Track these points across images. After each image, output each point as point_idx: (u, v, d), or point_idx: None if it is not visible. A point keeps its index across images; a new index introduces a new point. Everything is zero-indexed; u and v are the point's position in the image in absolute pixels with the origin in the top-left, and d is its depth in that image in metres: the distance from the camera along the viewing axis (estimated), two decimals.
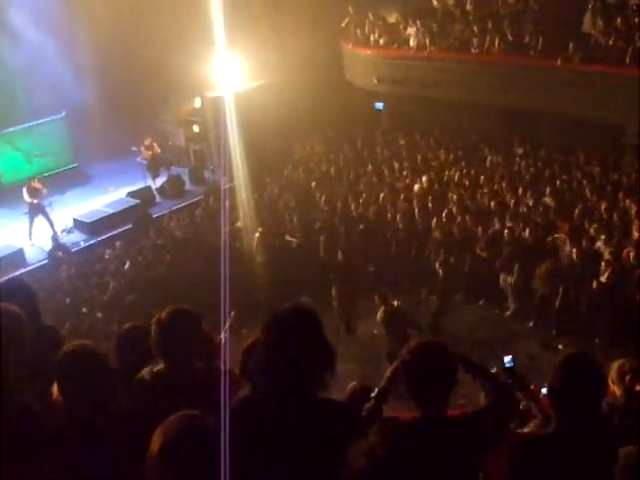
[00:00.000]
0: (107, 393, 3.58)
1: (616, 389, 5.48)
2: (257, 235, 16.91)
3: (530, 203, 16.47)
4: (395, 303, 12.71)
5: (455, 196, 17.57)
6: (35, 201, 18.82)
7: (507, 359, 4.62)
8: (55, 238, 18.29)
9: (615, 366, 5.65)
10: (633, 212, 14.87)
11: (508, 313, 14.99)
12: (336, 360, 3.31)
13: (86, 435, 3.41)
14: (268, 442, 3.14)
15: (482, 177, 18.74)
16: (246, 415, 3.24)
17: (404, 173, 20.11)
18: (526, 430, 4.45)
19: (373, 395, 3.97)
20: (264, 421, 3.18)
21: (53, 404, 3.61)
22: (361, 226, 17.05)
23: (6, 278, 4.88)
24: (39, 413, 3.55)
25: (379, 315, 12.64)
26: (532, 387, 4.92)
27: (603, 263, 13.05)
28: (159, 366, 4.15)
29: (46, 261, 17.78)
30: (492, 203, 16.73)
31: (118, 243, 17.78)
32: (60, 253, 17.74)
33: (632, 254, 13.18)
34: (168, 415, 2.79)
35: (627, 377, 5.66)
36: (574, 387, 3.44)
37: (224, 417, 2.93)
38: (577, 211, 15.48)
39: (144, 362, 4.90)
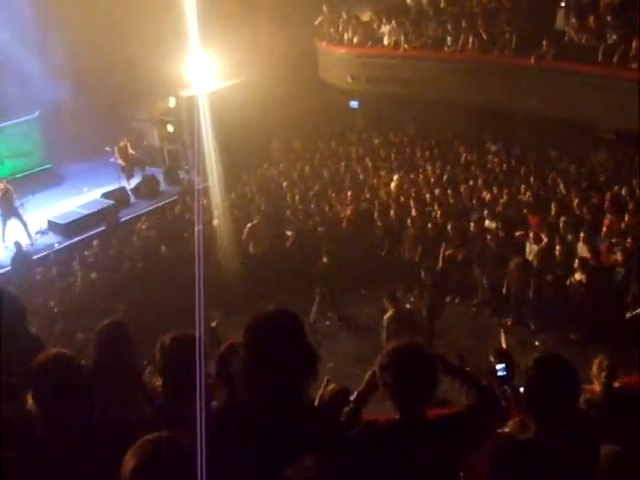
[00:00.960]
0: (82, 402, 3.53)
1: (596, 384, 5.53)
2: (249, 225, 16.92)
3: (504, 200, 16.53)
4: (407, 305, 12.49)
5: (429, 194, 17.63)
6: (6, 203, 18.62)
7: (499, 367, 4.59)
8: (18, 244, 17.88)
9: (595, 363, 5.70)
10: (605, 209, 14.99)
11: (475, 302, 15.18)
12: (318, 364, 3.29)
13: (61, 444, 3.36)
14: (250, 447, 3.11)
15: (456, 174, 18.82)
16: (227, 421, 3.21)
17: (380, 172, 20.12)
18: (506, 430, 4.44)
19: (352, 398, 3.95)
20: (246, 426, 3.15)
21: (28, 413, 3.56)
22: (343, 224, 17.06)
23: None
24: (17, 421, 3.51)
25: (387, 316, 12.03)
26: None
27: (577, 260, 13.12)
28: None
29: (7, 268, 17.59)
30: (468, 200, 16.80)
31: (95, 243, 17.63)
32: (22, 259, 17.42)
33: (608, 252, 13.32)
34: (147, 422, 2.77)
35: (604, 373, 5.73)
36: (548, 389, 3.44)
37: (200, 427, 2.90)
38: (552, 208, 15.55)
39: (122, 358, 4.96)
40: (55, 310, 14.64)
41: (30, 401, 3.53)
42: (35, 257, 17.88)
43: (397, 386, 3.54)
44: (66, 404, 3.45)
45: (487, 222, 15.46)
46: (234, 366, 3.38)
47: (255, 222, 17.04)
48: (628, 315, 12.38)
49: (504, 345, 5.51)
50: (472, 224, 15.36)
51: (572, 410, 3.49)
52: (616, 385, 5.82)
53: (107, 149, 22.03)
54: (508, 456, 3.34)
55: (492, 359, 5.39)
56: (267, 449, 3.06)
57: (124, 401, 4.57)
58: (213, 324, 9.76)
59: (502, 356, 5.42)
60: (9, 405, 3.61)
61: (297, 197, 18.96)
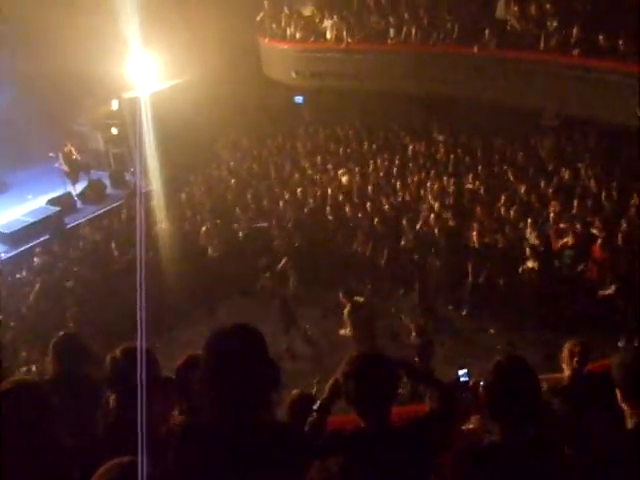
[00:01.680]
0: (50, 428, 3.43)
1: (566, 369, 5.52)
2: (204, 229, 16.75)
3: (451, 190, 16.61)
4: (361, 299, 12.45)
5: (377, 187, 17.67)
6: None
7: (462, 373, 4.57)
8: None
9: (566, 347, 5.69)
10: (550, 194, 15.15)
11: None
12: (280, 380, 3.22)
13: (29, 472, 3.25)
14: (213, 466, 3.03)
15: (403, 166, 18.88)
16: (189, 439, 3.13)
17: (327, 166, 20.08)
18: (470, 426, 4.44)
19: (315, 408, 3.89)
20: (208, 444, 3.07)
21: None
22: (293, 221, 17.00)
23: None
24: None
25: (345, 312, 12.04)
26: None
27: (528, 248, 13.22)
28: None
29: None
30: (417, 192, 16.86)
31: (38, 251, 17.33)
32: None
33: (556, 237, 13.45)
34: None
35: (575, 358, 5.71)
36: (508, 393, 3.42)
37: (141, 444, 2.82)
38: (501, 196, 15.66)
39: (78, 368, 4.85)
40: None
41: None
42: None
43: (360, 395, 3.50)
44: (30, 433, 3.35)
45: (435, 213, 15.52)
46: (194, 380, 3.28)
47: (209, 225, 16.85)
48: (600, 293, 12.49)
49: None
50: (420, 216, 15.41)
51: (533, 411, 3.46)
52: (587, 369, 5.78)
53: (51, 154, 21.68)
54: (471, 461, 3.32)
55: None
56: (230, 466, 2.99)
57: (85, 420, 4.45)
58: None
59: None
60: None
61: (249, 196, 18.79)
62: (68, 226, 19.40)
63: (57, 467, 3.32)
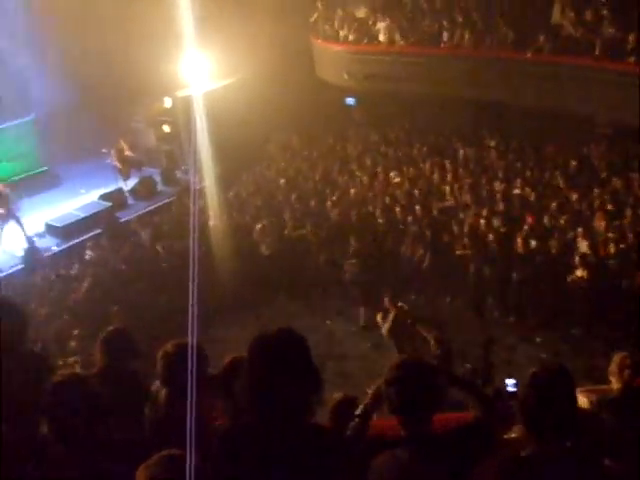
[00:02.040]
0: (99, 423, 3.48)
1: (614, 382, 5.44)
2: (259, 226, 16.79)
3: (501, 196, 16.49)
4: (405, 306, 12.44)
5: (427, 190, 17.63)
6: (3, 207, 18.56)
7: (510, 383, 4.56)
8: (30, 241, 18.10)
9: (616, 359, 5.60)
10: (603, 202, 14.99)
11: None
12: (323, 386, 3.24)
13: (79, 468, 3.31)
14: (254, 469, 3.07)
15: (453, 170, 18.80)
16: (231, 442, 3.17)
17: (377, 169, 20.08)
18: (513, 435, 4.42)
19: (358, 413, 3.91)
20: (250, 448, 3.11)
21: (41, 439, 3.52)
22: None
23: None
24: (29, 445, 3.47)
25: (390, 317, 11.96)
26: None
27: (578, 256, 13.08)
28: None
29: (19, 267, 17.58)
30: (467, 196, 16.76)
31: (89, 246, 17.59)
32: (34, 257, 17.58)
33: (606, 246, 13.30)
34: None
35: (627, 371, 5.61)
36: (543, 405, 3.39)
37: (189, 443, 2.86)
38: (551, 204, 15.52)
39: (126, 363, 5.03)
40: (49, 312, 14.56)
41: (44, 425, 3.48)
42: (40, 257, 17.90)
43: (401, 403, 3.51)
44: (82, 427, 3.41)
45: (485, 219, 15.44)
46: (238, 383, 3.32)
47: (265, 223, 16.94)
48: None
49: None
50: (469, 221, 15.30)
51: (570, 422, 3.44)
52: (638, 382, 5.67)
53: (104, 150, 21.95)
54: (512, 472, 3.31)
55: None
56: (270, 469, 3.02)
57: (133, 415, 4.52)
58: None
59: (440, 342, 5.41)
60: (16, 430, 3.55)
61: (294, 196, 18.88)
62: (121, 220, 19.64)
63: (106, 461, 3.37)
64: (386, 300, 12.24)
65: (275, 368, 3.10)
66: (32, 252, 17.87)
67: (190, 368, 3.17)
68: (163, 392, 4.39)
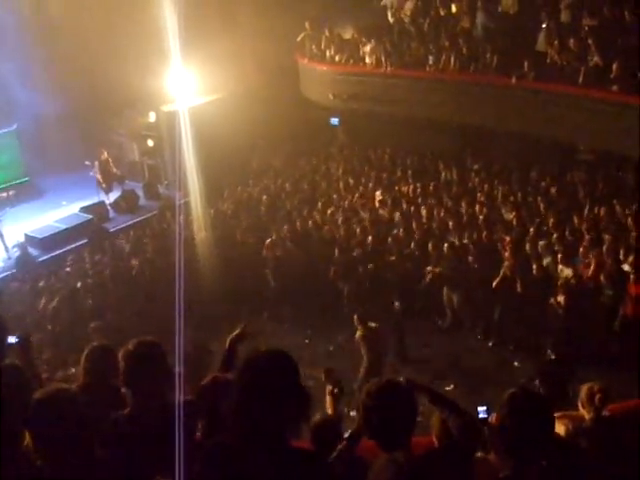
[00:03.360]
0: (84, 440, 3.45)
1: (585, 412, 5.46)
2: (269, 241, 16.76)
3: (482, 219, 16.56)
4: (373, 324, 12.66)
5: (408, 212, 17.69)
6: None
7: (481, 410, 4.58)
8: (23, 246, 18.04)
9: (584, 389, 5.63)
10: (584, 228, 15.06)
11: (444, 324, 15.17)
12: (311, 408, 3.23)
13: None
14: None
15: (434, 193, 18.89)
16: (219, 461, 3.14)
17: (359, 189, 20.14)
18: (490, 457, 4.42)
19: (346, 437, 3.91)
20: (236, 469, 3.07)
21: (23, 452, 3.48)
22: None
23: None
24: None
25: (358, 334, 12.62)
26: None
27: (560, 281, 13.12)
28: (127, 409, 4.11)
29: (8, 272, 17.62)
30: (448, 220, 16.80)
31: (70, 259, 17.50)
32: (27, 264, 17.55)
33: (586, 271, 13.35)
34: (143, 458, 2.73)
35: (596, 399, 5.64)
36: (520, 426, 3.41)
37: (178, 452, 2.84)
38: (531, 228, 15.59)
39: (108, 379, 5.00)
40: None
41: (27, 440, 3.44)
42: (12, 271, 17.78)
43: (383, 427, 3.50)
44: (69, 442, 3.36)
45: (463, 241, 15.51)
46: (224, 403, 3.28)
47: (274, 238, 16.91)
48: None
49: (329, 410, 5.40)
50: (446, 245, 15.34)
51: (546, 445, 3.45)
52: (606, 413, 5.69)
53: (87, 163, 21.90)
54: None
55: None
56: None
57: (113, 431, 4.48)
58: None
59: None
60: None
61: (281, 213, 18.94)
62: (111, 230, 19.61)
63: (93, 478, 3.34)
64: (355, 318, 12.68)
65: (262, 389, 3.07)
66: (25, 259, 17.80)
67: (178, 388, 3.13)
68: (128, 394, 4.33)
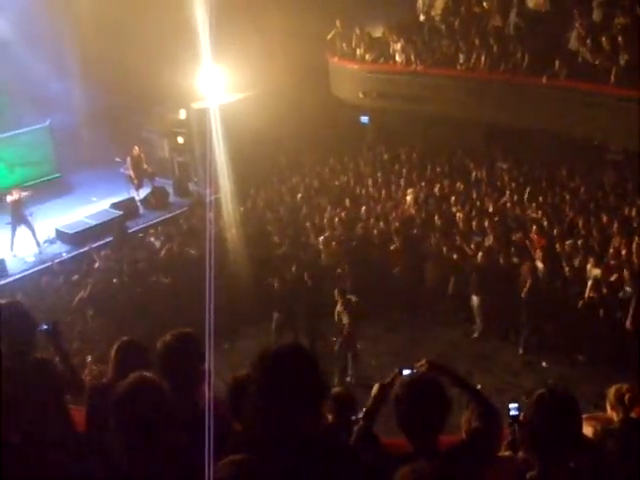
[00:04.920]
0: (165, 429, 3.45)
1: (613, 414, 5.43)
2: (323, 237, 16.90)
3: (512, 219, 16.52)
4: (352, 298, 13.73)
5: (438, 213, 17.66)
6: (16, 211, 18.68)
7: (513, 407, 4.58)
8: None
9: (613, 390, 5.60)
10: (614, 229, 14.96)
11: (475, 334, 15.14)
12: (323, 402, 3.24)
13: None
14: None
15: (465, 192, 18.85)
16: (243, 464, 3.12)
17: (391, 187, 20.16)
18: (519, 456, 4.42)
19: (361, 416, 3.95)
20: (262, 470, 3.06)
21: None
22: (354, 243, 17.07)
23: (5, 302, 4.80)
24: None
25: (338, 307, 13.68)
26: None
27: (590, 281, 13.07)
28: None
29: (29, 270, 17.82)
30: (475, 220, 16.76)
31: (102, 253, 17.64)
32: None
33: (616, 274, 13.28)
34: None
35: (625, 400, 5.60)
36: (548, 427, 3.40)
37: (208, 451, 2.86)
38: (560, 228, 15.54)
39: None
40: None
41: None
42: (43, 265, 17.97)
43: (410, 420, 3.52)
44: (155, 430, 3.37)
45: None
46: (244, 401, 3.27)
47: (328, 234, 16.97)
48: None
49: None
50: (473, 244, 15.32)
51: (574, 445, 3.46)
52: (634, 414, 5.63)
53: (117, 159, 22.05)
54: None
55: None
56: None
57: None
58: None
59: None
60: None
61: (304, 211, 19.02)
62: (130, 230, 19.68)
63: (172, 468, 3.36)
64: (336, 292, 13.83)
65: (282, 384, 3.04)
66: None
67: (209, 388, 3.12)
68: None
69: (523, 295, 13.83)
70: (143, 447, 3.33)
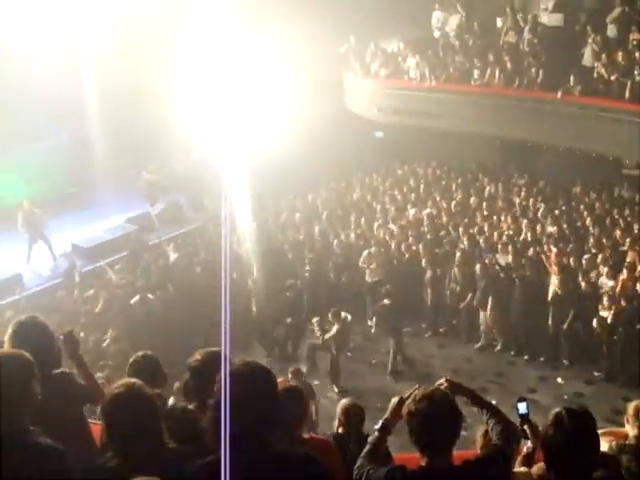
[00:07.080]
0: (158, 435, 3.50)
1: (630, 429, 5.41)
2: (366, 253, 16.80)
3: (528, 234, 16.48)
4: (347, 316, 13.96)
5: (452, 227, 17.66)
6: (33, 224, 18.78)
7: (521, 406, 4.57)
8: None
9: (632, 406, 5.58)
10: (629, 244, 14.92)
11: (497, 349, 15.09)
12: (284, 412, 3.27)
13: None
14: None
15: (480, 208, 18.82)
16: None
17: (404, 203, 20.16)
18: (534, 470, 4.42)
19: (377, 427, 3.97)
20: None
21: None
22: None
23: (24, 317, 4.83)
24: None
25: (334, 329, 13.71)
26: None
27: (605, 297, 13.02)
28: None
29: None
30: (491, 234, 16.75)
31: (117, 267, 17.73)
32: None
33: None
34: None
35: None
36: (566, 448, 3.40)
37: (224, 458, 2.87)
38: (576, 242, 15.52)
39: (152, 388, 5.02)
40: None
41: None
42: (59, 279, 18.04)
43: (424, 435, 3.53)
44: (144, 438, 3.41)
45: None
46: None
47: (372, 250, 16.90)
48: None
49: None
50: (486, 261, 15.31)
51: (593, 461, 3.46)
52: None
53: (133, 173, 22.14)
54: None
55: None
56: None
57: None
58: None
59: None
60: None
61: (317, 228, 19.16)
62: (150, 243, 19.75)
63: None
64: (330, 314, 13.90)
65: (241, 403, 3.04)
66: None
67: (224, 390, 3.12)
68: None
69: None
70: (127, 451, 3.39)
